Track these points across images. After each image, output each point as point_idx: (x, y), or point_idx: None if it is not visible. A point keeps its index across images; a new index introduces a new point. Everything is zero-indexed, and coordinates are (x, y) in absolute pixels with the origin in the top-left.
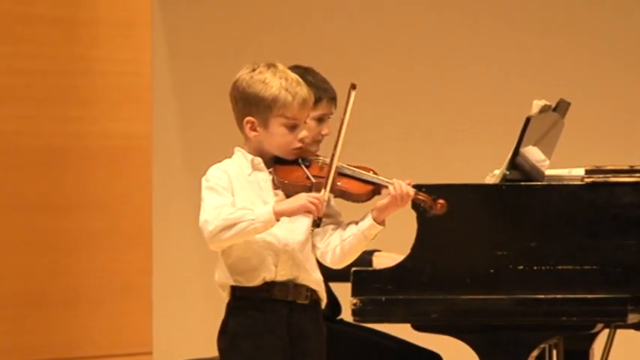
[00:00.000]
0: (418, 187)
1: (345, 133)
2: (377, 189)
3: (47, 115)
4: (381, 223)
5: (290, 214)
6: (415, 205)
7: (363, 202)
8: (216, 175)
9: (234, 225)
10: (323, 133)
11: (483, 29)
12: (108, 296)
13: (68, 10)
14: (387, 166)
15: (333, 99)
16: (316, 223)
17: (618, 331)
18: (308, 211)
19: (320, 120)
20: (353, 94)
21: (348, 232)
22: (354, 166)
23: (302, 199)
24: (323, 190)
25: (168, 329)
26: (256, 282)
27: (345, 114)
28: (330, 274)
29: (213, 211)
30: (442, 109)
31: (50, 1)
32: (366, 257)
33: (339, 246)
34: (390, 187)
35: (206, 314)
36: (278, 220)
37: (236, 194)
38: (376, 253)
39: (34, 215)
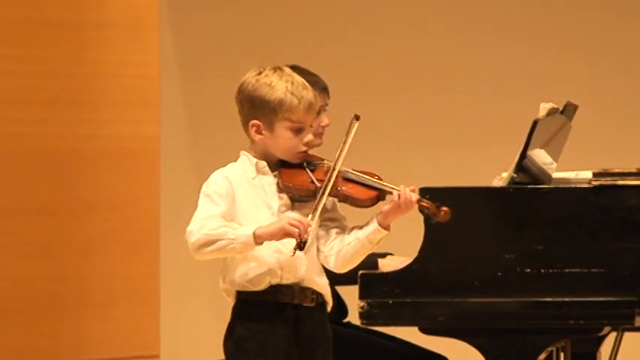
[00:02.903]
0: (423, 194)
1: (342, 161)
2: (381, 195)
3: (56, 118)
4: (386, 228)
5: (270, 237)
6: (420, 210)
7: (367, 207)
8: (215, 182)
9: (214, 242)
10: (322, 124)
11: (489, 32)
12: (116, 299)
13: (77, 14)
14: (393, 170)
15: (324, 89)
16: (300, 246)
17: (625, 333)
18: (289, 234)
19: (317, 113)
20: (356, 125)
21: (352, 236)
22: (359, 171)
23: (282, 222)
24: (310, 214)
25: (175, 332)
26: (262, 286)
27: (344, 143)
28: (336, 278)
29: (200, 222)
30: (449, 112)
31: (60, 5)
32: (372, 259)
33: (342, 250)
34: (395, 193)
35: (213, 317)
36: (259, 244)
37: (239, 198)
38: (388, 257)
39: (43, 218)
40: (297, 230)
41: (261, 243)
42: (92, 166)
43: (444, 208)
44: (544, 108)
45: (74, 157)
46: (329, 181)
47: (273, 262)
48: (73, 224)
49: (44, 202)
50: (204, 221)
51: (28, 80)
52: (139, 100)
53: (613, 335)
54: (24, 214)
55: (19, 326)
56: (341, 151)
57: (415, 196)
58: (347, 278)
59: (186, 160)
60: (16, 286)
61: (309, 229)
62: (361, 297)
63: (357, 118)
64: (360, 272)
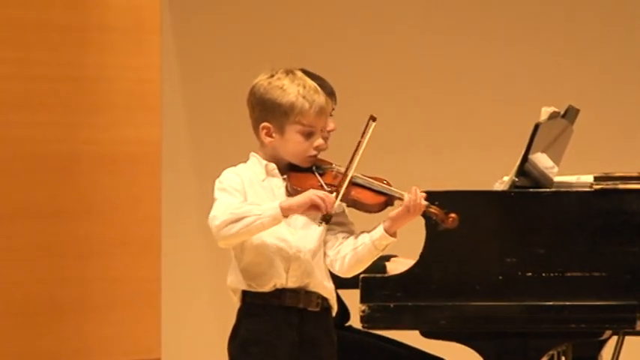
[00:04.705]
0: (431, 200)
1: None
2: (390, 200)
3: (58, 122)
4: (393, 234)
5: (297, 208)
6: (426, 216)
7: (375, 212)
8: (229, 178)
9: (240, 219)
10: (328, 129)
11: (492, 36)
12: (117, 302)
13: (79, 17)
14: (394, 173)
15: (331, 94)
16: (325, 219)
17: (627, 337)
18: (315, 206)
19: None
20: (372, 125)
21: (359, 241)
22: (367, 177)
23: (309, 193)
24: (335, 193)
25: (176, 335)
26: (267, 287)
27: (360, 144)
28: (340, 282)
29: (223, 207)
30: (450, 115)
31: (61, 8)
32: (380, 263)
33: (348, 255)
34: (406, 197)
35: (214, 321)
36: (286, 217)
37: (249, 199)
38: (392, 259)
39: (44, 222)
40: (322, 203)
41: (288, 216)
42: (93, 170)
43: (452, 215)
44: (546, 112)
45: (75, 161)
46: (349, 168)
47: (279, 264)
48: (74, 227)
49: (45, 205)
50: (227, 206)
51: (29, 83)
52: (140, 103)
53: (614, 339)
54: (25, 217)
55: (20, 329)
56: (357, 149)
57: (424, 202)
58: (350, 282)
59: (187, 164)
60: (16, 289)
61: (335, 204)
62: (362, 301)
63: (373, 119)
64: (362, 276)
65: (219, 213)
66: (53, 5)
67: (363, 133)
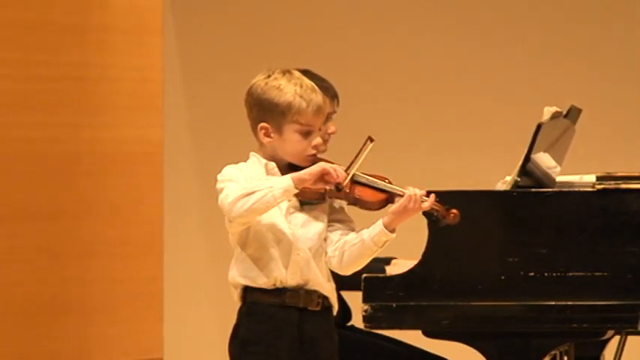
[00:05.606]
0: None
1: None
2: (390, 198)
3: (59, 122)
4: (392, 231)
5: (309, 177)
6: (427, 213)
7: (376, 210)
8: (230, 172)
9: (252, 192)
10: (329, 132)
11: (494, 36)
12: (119, 303)
13: (80, 17)
14: (394, 173)
15: (334, 97)
16: (338, 188)
17: (629, 337)
18: (327, 173)
19: (325, 119)
20: (370, 146)
21: (358, 237)
22: (368, 175)
23: (320, 163)
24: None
25: (179, 336)
26: (268, 283)
27: (356, 159)
28: (342, 283)
29: (233, 188)
30: (452, 115)
31: (62, 8)
32: (380, 266)
33: (347, 251)
34: (406, 194)
35: (216, 321)
36: (298, 188)
37: None
38: (393, 261)
39: (45, 222)
40: (334, 172)
41: (300, 187)
42: (95, 170)
43: (454, 211)
44: (548, 111)
45: (77, 161)
46: (353, 163)
47: (278, 260)
48: (76, 228)
49: (47, 206)
50: (238, 187)
51: (31, 84)
52: (142, 103)
53: (616, 339)
54: (26, 218)
55: (21, 330)
56: (353, 162)
57: (425, 197)
58: (352, 283)
59: (189, 164)
60: (17, 290)
61: (346, 180)
62: (365, 300)
63: (371, 140)
64: (364, 275)
65: (231, 192)
66: (54, 5)
67: (360, 151)
